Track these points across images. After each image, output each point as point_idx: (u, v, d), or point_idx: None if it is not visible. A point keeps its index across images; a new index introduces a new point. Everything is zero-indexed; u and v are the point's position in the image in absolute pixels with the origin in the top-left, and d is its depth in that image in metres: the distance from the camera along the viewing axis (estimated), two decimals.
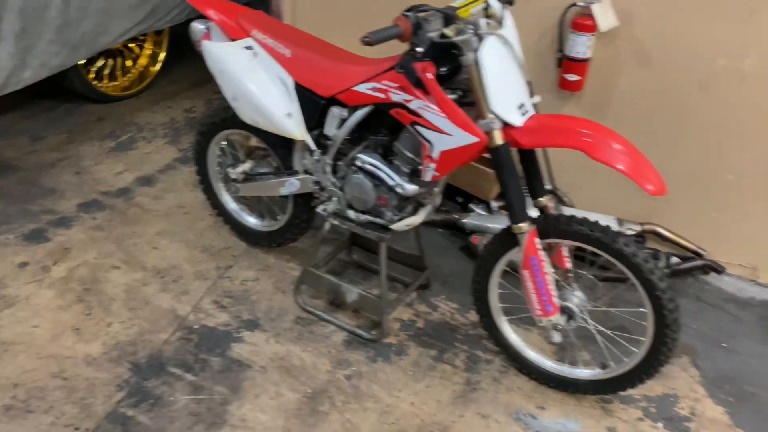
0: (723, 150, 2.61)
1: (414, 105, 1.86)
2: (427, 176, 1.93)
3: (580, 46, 2.55)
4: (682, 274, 2.75)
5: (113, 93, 3.87)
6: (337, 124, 2.12)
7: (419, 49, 1.62)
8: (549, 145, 1.77)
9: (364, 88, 1.99)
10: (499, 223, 2.71)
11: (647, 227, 2.82)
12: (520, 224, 1.86)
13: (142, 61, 4.07)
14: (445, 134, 1.81)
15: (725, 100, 2.52)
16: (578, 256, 2.21)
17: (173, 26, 3.92)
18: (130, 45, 3.95)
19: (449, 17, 1.70)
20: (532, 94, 1.88)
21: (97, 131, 3.55)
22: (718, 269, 2.72)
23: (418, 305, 2.49)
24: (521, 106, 1.82)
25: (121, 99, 3.92)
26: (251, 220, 2.69)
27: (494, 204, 2.86)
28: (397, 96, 1.89)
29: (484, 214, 2.87)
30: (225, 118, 2.43)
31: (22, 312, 2.28)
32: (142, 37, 3.99)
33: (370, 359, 2.21)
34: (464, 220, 2.85)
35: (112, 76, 3.88)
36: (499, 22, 1.85)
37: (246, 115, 2.18)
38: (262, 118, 2.15)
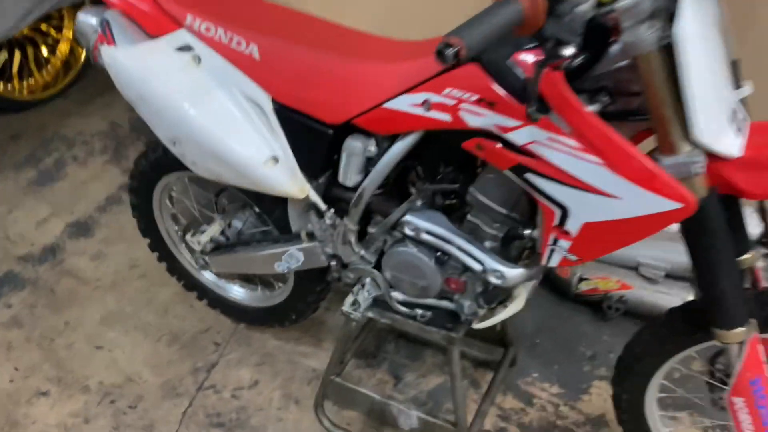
0: None
1: (522, 136, 0.95)
2: (554, 259, 1.04)
3: None
4: None
5: (29, 97, 2.93)
6: (359, 167, 1.21)
7: (567, 50, 0.71)
8: None
9: (406, 103, 1.07)
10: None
11: None
12: (738, 329, 1.00)
13: (63, 47, 3.08)
14: (602, 195, 0.92)
15: None
16: None
17: None
18: (43, 28, 2.97)
19: None
20: (738, 83, 0.98)
21: (11, 156, 2.62)
22: None
23: (502, 397, 1.65)
24: (734, 114, 0.92)
25: (41, 102, 2.96)
26: (237, 292, 1.80)
27: None
28: (482, 118, 0.99)
29: None
30: None
31: None
32: (57, 15, 2.99)
33: None
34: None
35: (23, 74, 2.91)
36: None
37: (200, 167, 1.27)
38: (226, 170, 1.24)
